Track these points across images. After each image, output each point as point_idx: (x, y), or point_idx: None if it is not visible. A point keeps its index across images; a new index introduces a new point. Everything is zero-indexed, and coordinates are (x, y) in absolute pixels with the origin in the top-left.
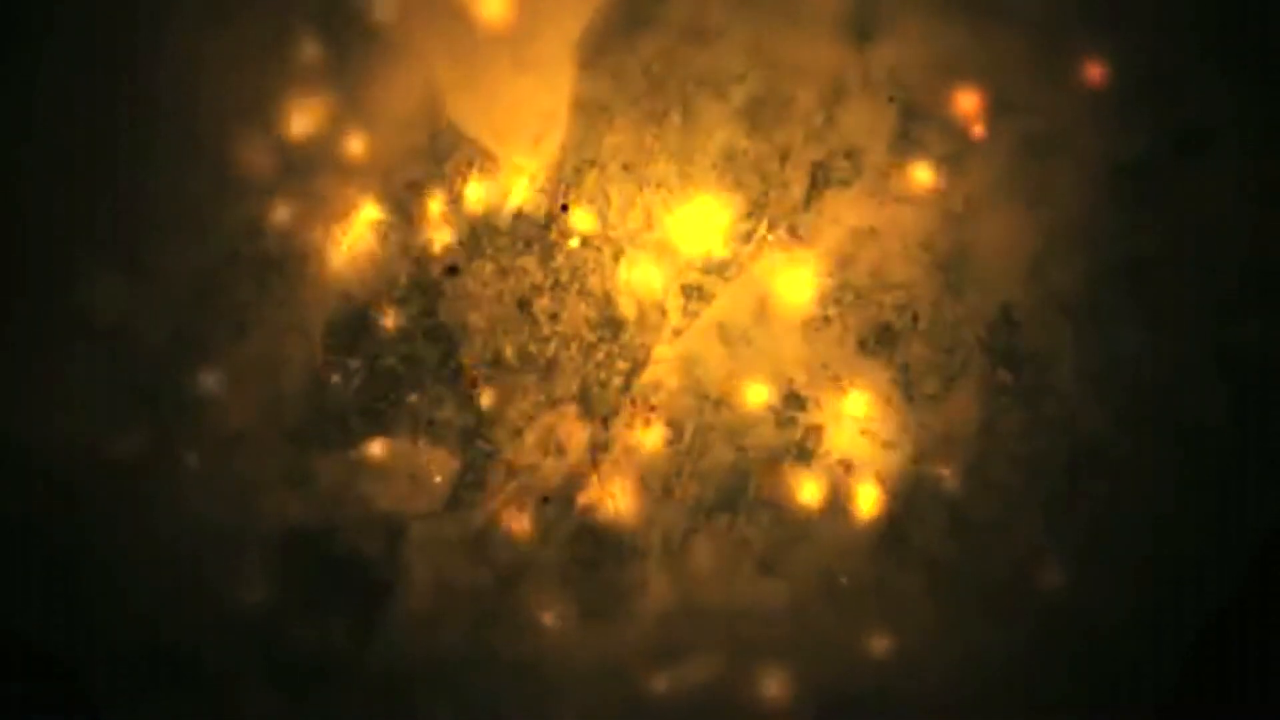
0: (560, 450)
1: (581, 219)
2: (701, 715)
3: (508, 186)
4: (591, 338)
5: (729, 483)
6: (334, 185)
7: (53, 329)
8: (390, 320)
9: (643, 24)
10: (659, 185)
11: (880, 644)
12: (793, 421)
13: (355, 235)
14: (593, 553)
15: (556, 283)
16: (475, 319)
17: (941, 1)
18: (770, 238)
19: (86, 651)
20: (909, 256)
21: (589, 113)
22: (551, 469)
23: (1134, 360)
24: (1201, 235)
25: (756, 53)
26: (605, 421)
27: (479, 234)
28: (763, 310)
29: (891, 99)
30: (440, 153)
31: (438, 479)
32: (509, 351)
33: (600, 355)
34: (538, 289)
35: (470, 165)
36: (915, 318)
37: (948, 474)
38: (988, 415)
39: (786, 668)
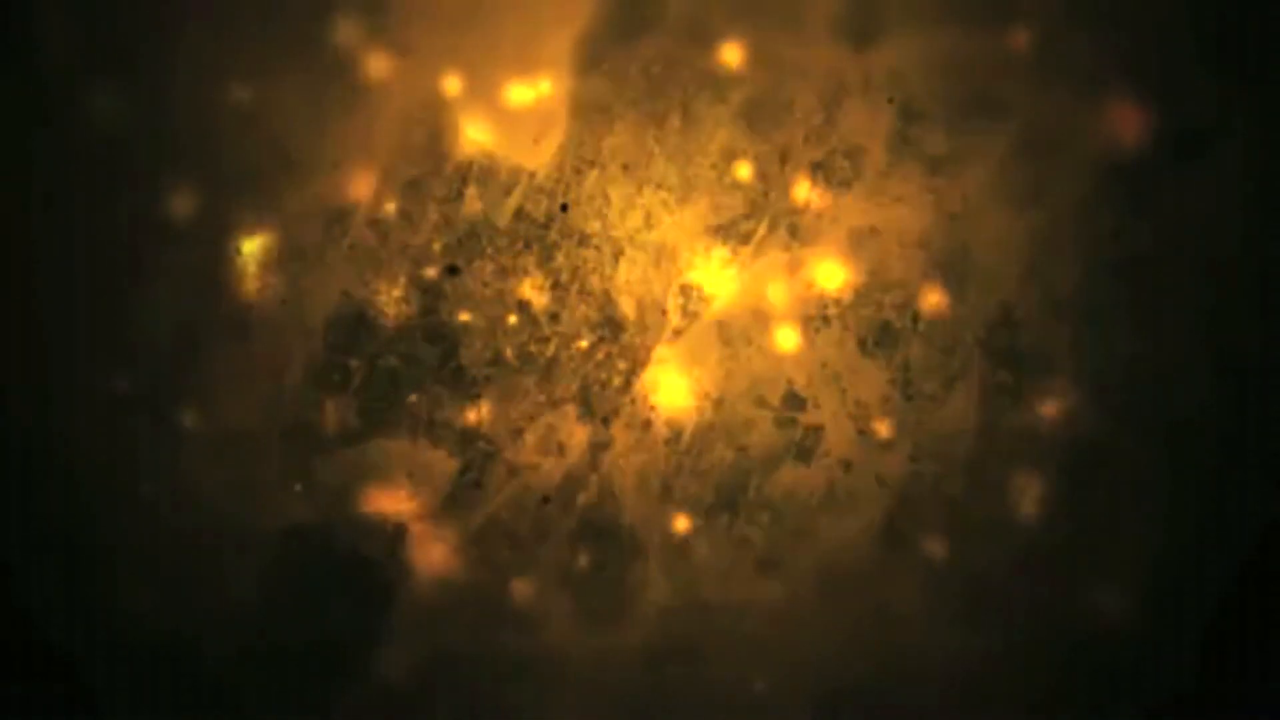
0: (560, 450)
1: (582, 219)
2: (700, 712)
3: (508, 186)
4: (591, 338)
5: (729, 482)
6: (335, 185)
7: (55, 328)
8: (390, 320)
9: (643, 26)
10: (659, 186)
11: (878, 642)
12: (793, 421)
13: (355, 235)
14: (593, 552)
15: (556, 283)
16: (475, 319)
17: (940, 3)
18: (770, 238)
19: (88, 649)
20: (909, 256)
21: (589, 114)
22: (551, 469)
23: (1132, 360)
24: (1198, 235)
25: (756, 55)
26: (605, 421)
27: (479, 234)
28: (762, 310)
29: (891, 100)
30: (440, 153)
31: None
32: (509, 351)
33: (600, 355)
34: (538, 289)
35: (470, 165)
36: (915, 318)
37: (946, 473)
38: (987, 415)
39: (785, 665)
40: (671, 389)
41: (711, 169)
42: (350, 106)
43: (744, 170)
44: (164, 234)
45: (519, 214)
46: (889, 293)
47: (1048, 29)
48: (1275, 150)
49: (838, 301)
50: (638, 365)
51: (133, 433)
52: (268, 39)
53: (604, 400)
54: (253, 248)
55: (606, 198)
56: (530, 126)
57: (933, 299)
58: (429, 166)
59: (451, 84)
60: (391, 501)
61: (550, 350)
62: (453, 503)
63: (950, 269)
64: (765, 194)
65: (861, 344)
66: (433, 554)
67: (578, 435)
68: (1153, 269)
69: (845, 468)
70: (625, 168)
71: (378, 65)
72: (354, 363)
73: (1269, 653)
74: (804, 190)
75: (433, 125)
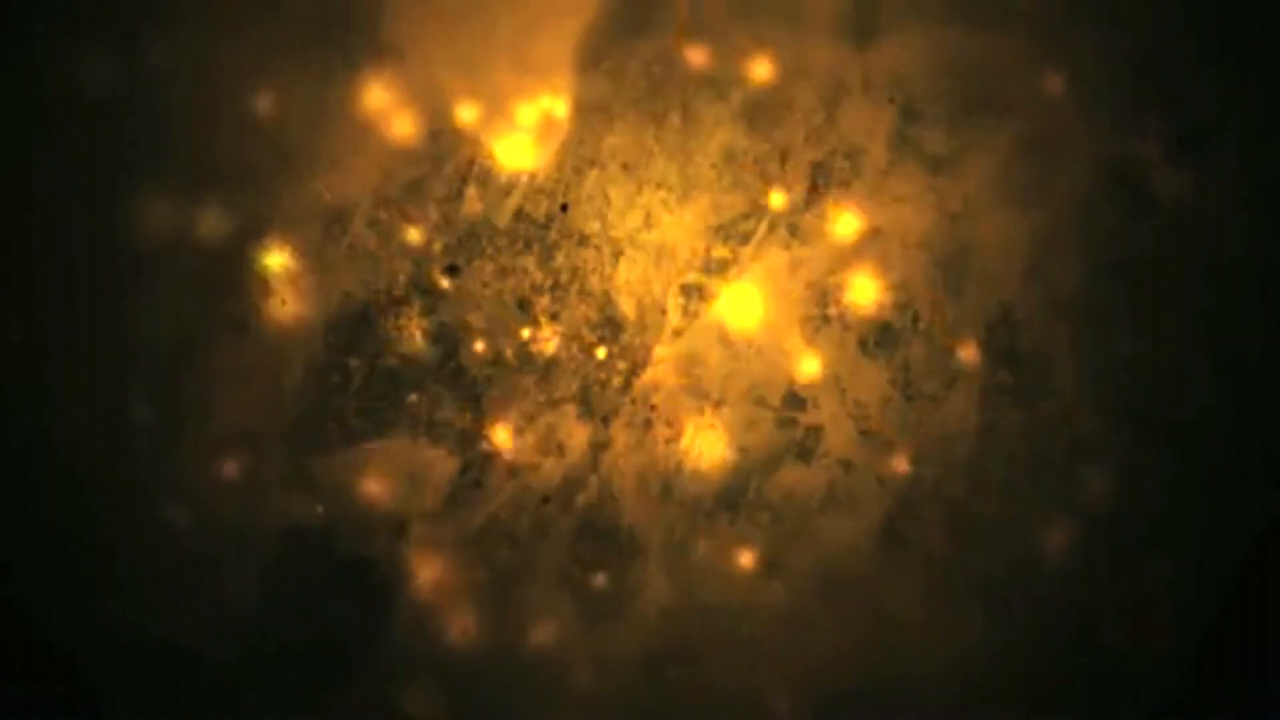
0: (560, 450)
1: (582, 219)
2: (700, 715)
3: (507, 187)
4: (591, 338)
5: (729, 483)
6: (334, 184)
7: (55, 328)
8: (390, 320)
9: (643, 25)
10: (659, 185)
11: (878, 642)
12: (793, 421)
13: (355, 235)
14: (593, 553)
15: (556, 283)
16: (475, 319)
17: (941, 2)
18: (770, 237)
19: (88, 649)
20: (909, 256)
21: (589, 113)
22: (551, 469)
23: (1132, 360)
24: (1198, 235)
25: (756, 54)
26: (605, 421)
27: (479, 234)
28: (762, 310)
29: (891, 99)
30: (440, 153)
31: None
32: (509, 351)
33: (600, 355)
34: (538, 289)
35: (470, 165)
36: (915, 318)
37: (946, 474)
38: (987, 415)
39: (785, 667)
40: (672, 389)
41: (711, 169)
42: (349, 106)
43: (744, 170)
44: (163, 234)
45: (519, 214)
46: (889, 293)
47: (1048, 29)
48: (1275, 150)
49: (838, 301)
50: (638, 365)
51: (132, 433)
52: (266, 39)
53: (604, 400)
54: (275, 263)
55: (606, 198)
56: (530, 126)
57: (933, 299)
58: (429, 167)
59: (451, 84)
60: (391, 502)
61: (550, 350)
62: (453, 503)
63: (951, 269)
64: (765, 194)
65: (862, 344)
66: (432, 554)
67: (578, 435)
68: (1153, 269)
69: (845, 468)
70: (625, 167)
71: (378, 65)
72: (354, 362)
73: (1269, 653)
74: (803, 191)
75: (433, 125)
